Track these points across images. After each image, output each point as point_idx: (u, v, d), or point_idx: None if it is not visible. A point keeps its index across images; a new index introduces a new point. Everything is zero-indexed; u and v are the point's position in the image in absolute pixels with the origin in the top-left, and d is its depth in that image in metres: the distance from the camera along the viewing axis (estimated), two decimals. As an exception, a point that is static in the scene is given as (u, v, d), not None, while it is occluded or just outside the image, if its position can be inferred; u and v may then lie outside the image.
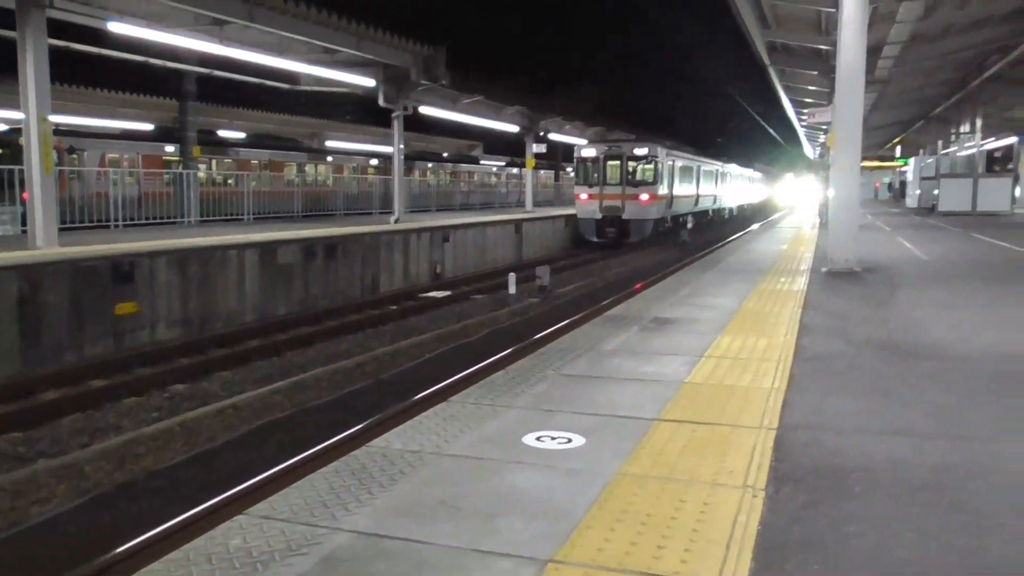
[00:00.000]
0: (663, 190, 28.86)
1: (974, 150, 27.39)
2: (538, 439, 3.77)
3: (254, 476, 6.58)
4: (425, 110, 23.02)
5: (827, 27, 15.77)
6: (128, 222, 17.21)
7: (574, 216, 29.06)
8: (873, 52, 16.50)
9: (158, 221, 17.99)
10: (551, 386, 4.78)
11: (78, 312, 10.95)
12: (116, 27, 13.26)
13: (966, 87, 23.81)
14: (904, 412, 4.27)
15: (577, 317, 13.04)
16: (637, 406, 4.34)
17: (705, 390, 4.72)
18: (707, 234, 34.49)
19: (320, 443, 7.34)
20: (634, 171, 28.37)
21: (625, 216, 27.80)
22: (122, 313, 11.66)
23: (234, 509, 4.15)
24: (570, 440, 3.76)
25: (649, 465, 3.46)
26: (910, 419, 4.15)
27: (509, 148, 41.03)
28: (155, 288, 12.22)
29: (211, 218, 19.68)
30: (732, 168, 45.65)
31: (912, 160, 38.17)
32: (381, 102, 20.01)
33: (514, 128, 29.24)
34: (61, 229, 13.20)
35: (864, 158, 51.03)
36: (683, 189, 32.22)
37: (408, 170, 32.12)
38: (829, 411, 4.31)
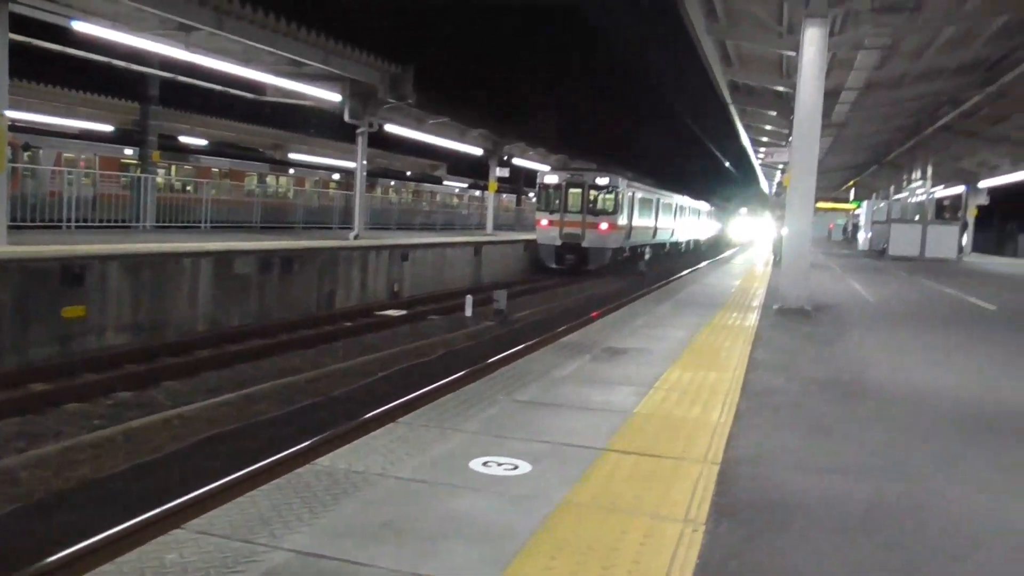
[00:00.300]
0: (623, 220, 29.20)
1: (924, 197, 28.19)
2: (485, 464, 3.78)
3: (195, 489, 6.47)
4: (391, 128, 23.02)
5: (788, 70, 16.16)
6: (81, 223, 16.86)
7: (534, 241, 29.22)
8: (831, 96, 16.95)
9: (112, 224, 17.66)
10: (501, 411, 4.79)
11: (23, 314, 10.69)
12: (80, 27, 13.08)
13: (919, 135, 24.55)
14: (843, 450, 4.37)
15: (531, 343, 13.06)
16: (586, 435, 4.37)
17: (654, 421, 4.77)
18: (664, 266, 34.90)
19: (265, 459, 7.23)
20: (595, 200, 28.68)
21: (584, 244, 28.04)
22: (70, 316, 11.41)
23: (171, 523, 4.08)
24: (517, 467, 3.78)
25: (594, 494, 3.48)
26: (849, 457, 4.25)
27: (473, 170, 41.18)
28: (106, 292, 11.98)
29: (167, 224, 19.37)
30: (690, 202, 46.33)
31: (865, 203, 39.13)
32: (347, 118, 19.95)
33: (478, 151, 29.38)
34: (11, 227, 12.90)
35: (819, 199, 52.24)
36: (642, 220, 32.63)
37: (371, 187, 32.01)
38: (772, 447, 4.39)
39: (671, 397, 5.45)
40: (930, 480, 3.96)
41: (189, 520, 3.05)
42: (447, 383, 10.13)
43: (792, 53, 12.74)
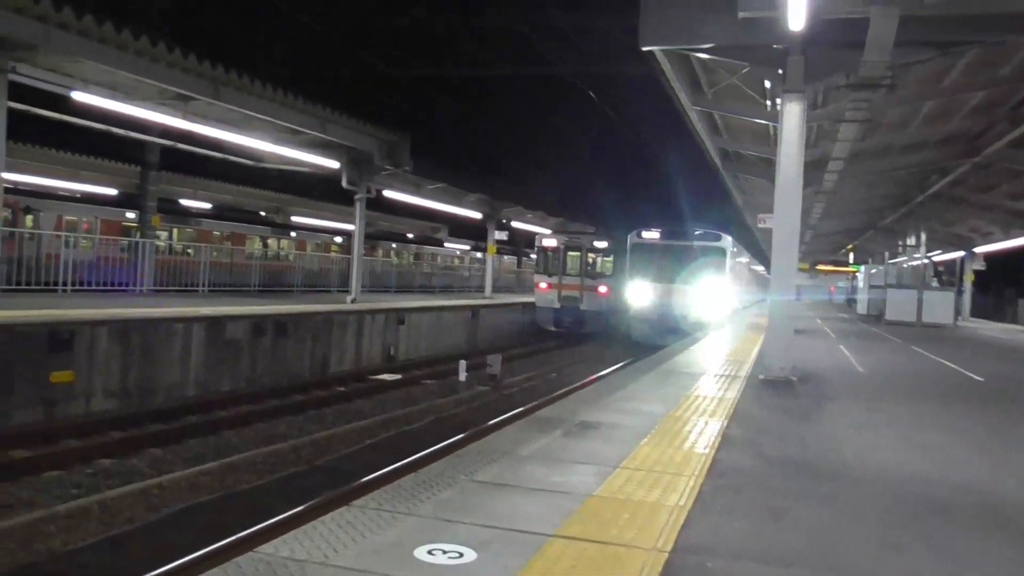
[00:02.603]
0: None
1: (919, 262, 28.33)
2: (430, 552, 3.79)
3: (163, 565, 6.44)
4: (389, 193, 23.38)
5: (775, 138, 16.45)
6: (78, 287, 17.04)
7: (532, 304, 29.32)
8: (818, 166, 17.23)
9: (110, 288, 17.84)
10: (458, 493, 4.81)
11: (8, 377, 10.76)
12: (80, 97, 13.44)
13: (910, 203, 24.80)
14: (788, 536, 4.38)
15: (506, 416, 12.87)
16: (537, 519, 4.38)
17: (610, 505, 4.78)
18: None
19: (211, 543, 7.00)
20: (593, 263, 28.86)
21: (582, 307, 28.13)
22: (57, 381, 11.47)
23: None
24: (462, 555, 3.79)
25: (532, 585, 3.49)
26: (792, 544, 4.26)
27: (473, 232, 41.56)
28: (94, 358, 12.07)
29: (165, 288, 19.55)
30: None
31: (863, 268, 39.30)
32: (344, 184, 20.31)
33: (477, 215, 29.73)
34: (6, 290, 13.06)
35: (818, 262, 52.54)
36: None
37: (372, 248, 32.29)
38: (723, 533, 4.39)
39: (635, 478, 5.46)
40: (864, 571, 3.98)
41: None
42: (410, 462, 9.86)
43: (776, 124, 13.01)
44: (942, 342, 20.88)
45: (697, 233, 25.59)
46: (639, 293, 25.61)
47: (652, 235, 26.14)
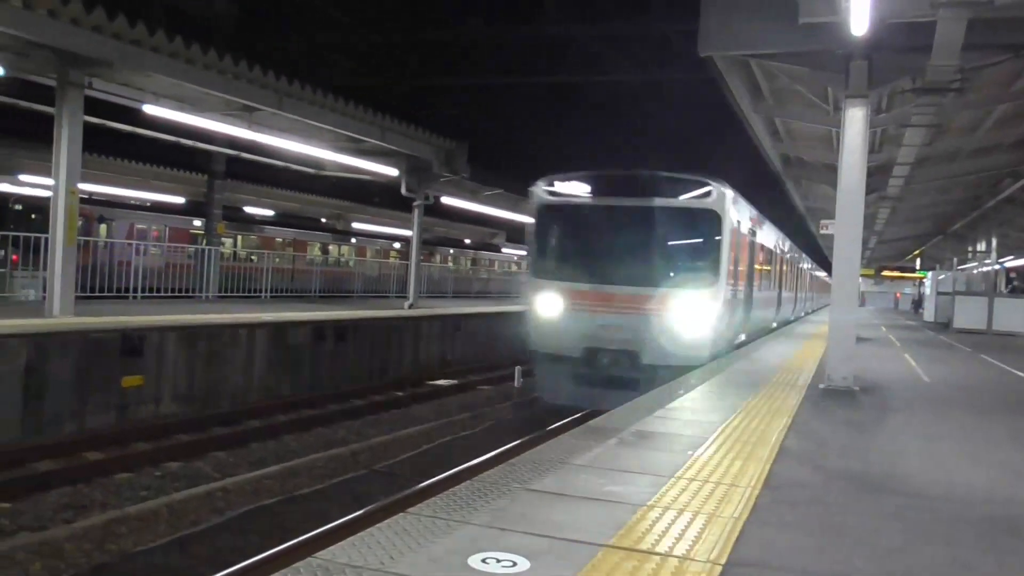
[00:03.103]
0: None
1: (990, 268, 27.45)
2: (484, 561, 3.84)
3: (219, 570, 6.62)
4: (446, 200, 23.62)
5: (838, 144, 16.15)
6: (148, 293, 17.61)
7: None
8: (884, 170, 16.86)
9: (177, 295, 18.38)
10: (512, 501, 4.85)
11: (84, 383, 11.18)
12: (151, 110, 13.91)
13: (980, 207, 24.05)
14: (851, 554, 4.29)
15: (560, 424, 12.76)
16: (591, 529, 4.39)
17: (665, 515, 4.77)
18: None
19: (273, 547, 7.18)
20: None
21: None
22: (128, 386, 11.88)
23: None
24: (515, 564, 3.82)
25: (585, 596, 3.51)
26: (854, 563, 4.17)
27: (531, 238, 41.55)
28: (163, 362, 12.46)
29: (230, 294, 20.07)
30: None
31: (930, 274, 38.23)
32: (403, 191, 20.61)
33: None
34: (80, 297, 13.57)
35: (883, 268, 51.26)
36: None
37: (429, 255, 32.60)
38: (780, 548, 4.34)
39: (690, 488, 5.43)
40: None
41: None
42: (464, 469, 9.93)
43: (838, 130, 12.77)
44: (1015, 351, 20.19)
45: (664, 182, 13.07)
46: (544, 305, 13.37)
47: (573, 189, 13.56)
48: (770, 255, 19.49)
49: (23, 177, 21.60)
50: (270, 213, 31.82)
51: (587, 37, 20.93)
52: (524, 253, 31.99)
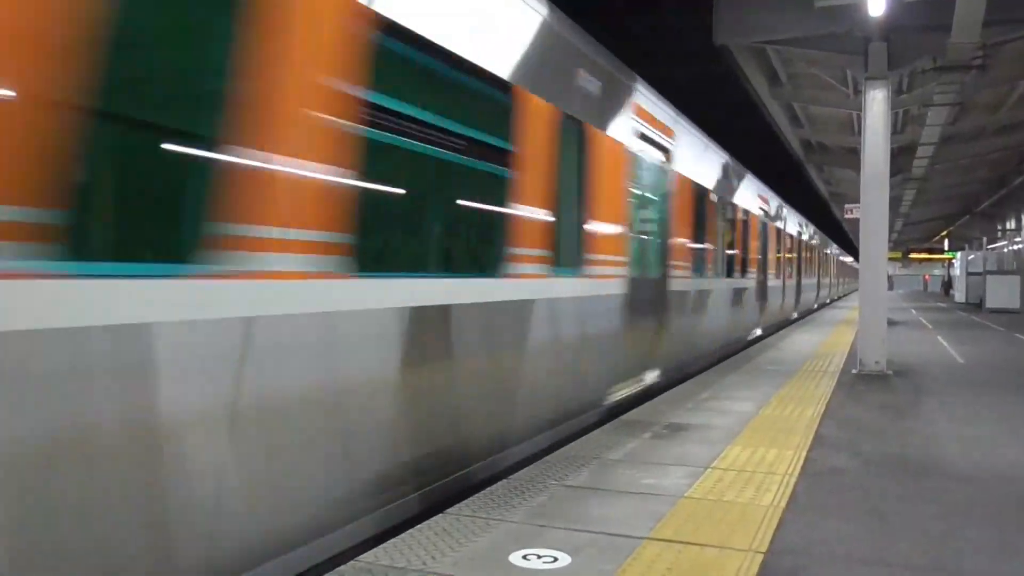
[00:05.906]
0: None
1: (1021, 246, 27.05)
2: (524, 557, 3.85)
3: None
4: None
5: (859, 127, 16.01)
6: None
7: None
8: (908, 151, 16.69)
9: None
10: (550, 498, 4.86)
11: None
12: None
13: (1008, 185, 23.71)
14: (895, 539, 4.26)
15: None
16: (630, 523, 4.40)
17: (703, 506, 4.76)
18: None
19: None
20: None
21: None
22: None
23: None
24: (556, 559, 3.84)
25: (628, 589, 3.51)
26: (899, 548, 4.13)
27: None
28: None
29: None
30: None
31: (959, 254, 37.77)
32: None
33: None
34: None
35: (911, 250, 50.65)
36: None
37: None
38: (822, 534, 4.31)
39: (726, 478, 5.41)
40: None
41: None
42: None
43: (860, 112, 12.67)
44: (1049, 329, 19.88)
45: None
46: None
47: None
48: None
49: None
50: None
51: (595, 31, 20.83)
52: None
